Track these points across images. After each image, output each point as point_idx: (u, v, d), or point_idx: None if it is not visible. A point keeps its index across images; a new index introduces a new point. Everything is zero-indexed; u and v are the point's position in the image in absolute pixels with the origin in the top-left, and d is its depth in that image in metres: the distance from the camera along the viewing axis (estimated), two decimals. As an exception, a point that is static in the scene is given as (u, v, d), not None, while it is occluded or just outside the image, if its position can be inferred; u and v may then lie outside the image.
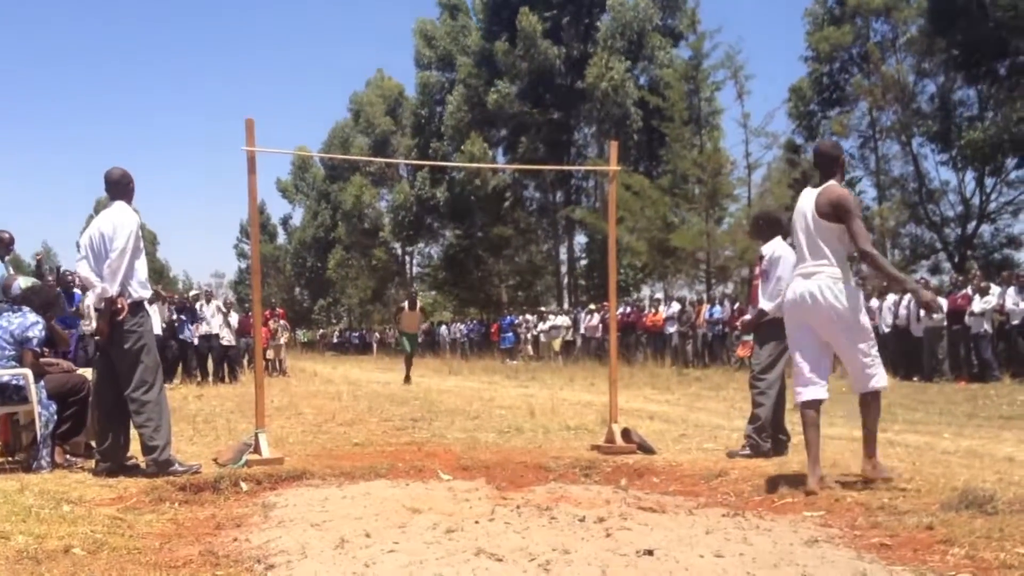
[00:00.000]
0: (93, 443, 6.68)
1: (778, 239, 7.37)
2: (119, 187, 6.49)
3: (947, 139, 29.57)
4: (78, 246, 6.44)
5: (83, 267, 6.36)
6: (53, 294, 7.78)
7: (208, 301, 20.73)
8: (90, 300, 7.92)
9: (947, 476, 5.60)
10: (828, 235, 5.64)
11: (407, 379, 19.15)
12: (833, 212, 5.60)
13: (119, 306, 6.16)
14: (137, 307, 6.32)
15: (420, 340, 27.16)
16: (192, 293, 23.00)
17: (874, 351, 5.73)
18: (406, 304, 19.78)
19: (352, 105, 58.68)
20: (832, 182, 5.73)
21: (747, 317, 7.75)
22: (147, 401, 6.24)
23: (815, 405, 5.68)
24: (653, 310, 26.74)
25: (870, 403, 5.78)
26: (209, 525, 5.01)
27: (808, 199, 5.76)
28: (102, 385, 6.41)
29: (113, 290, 6.13)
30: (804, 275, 5.72)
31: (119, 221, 6.25)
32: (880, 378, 5.75)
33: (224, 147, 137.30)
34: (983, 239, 31.62)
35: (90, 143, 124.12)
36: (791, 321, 5.87)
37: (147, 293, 6.48)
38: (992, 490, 4.87)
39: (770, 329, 7.19)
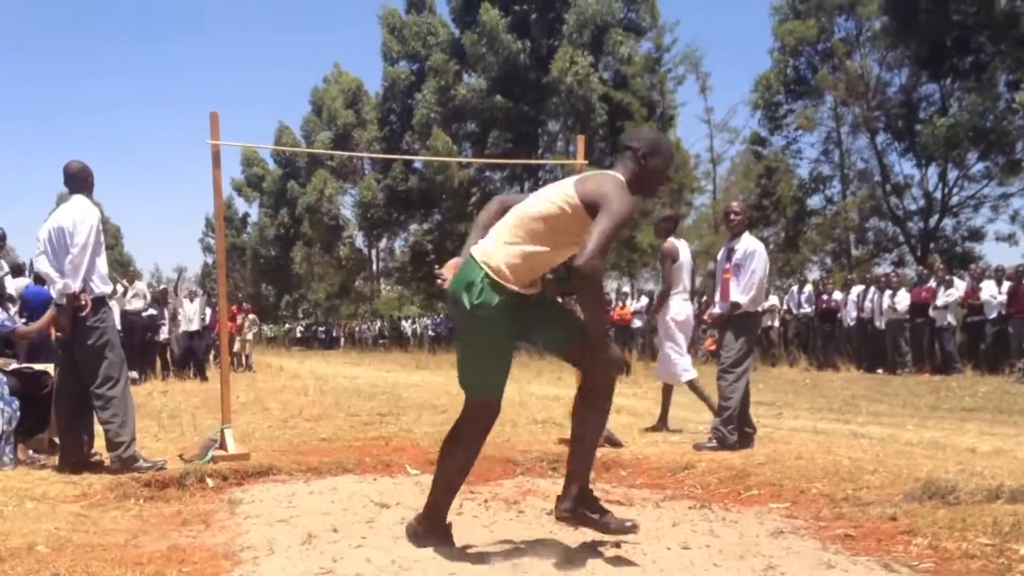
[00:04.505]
0: (56, 439, 6.61)
1: (747, 233, 7.43)
2: (78, 180, 6.37)
3: (911, 133, 29.81)
4: (38, 240, 6.34)
5: (43, 262, 6.25)
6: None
7: (192, 299, 20.37)
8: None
9: (910, 467, 5.66)
10: None
11: None
12: None
13: (82, 302, 6.08)
14: (99, 303, 6.25)
15: None
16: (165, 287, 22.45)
17: None
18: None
19: (313, 100, 58.36)
20: None
21: (715, 310, 7.73)
22: (112, 397, 6.17)
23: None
24: (621, 304, 26.79)
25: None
26: (175, 521, 4.96)
27: (687, 250, 8.50)
28: (65, 381, 6.31)
29: (75, 286, 6.04)
30: (687, 299, 8.49)
31: (79, 216, 6.16)
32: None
33: (190, 139, 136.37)
34: (945, 232, 31.93)
35: (52, 135, 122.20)
36: (686, 328, 8.58)
37: (108, 288, 6.39)
38: (954, 481, 4.93)
39: (741, 323, 7.24)
